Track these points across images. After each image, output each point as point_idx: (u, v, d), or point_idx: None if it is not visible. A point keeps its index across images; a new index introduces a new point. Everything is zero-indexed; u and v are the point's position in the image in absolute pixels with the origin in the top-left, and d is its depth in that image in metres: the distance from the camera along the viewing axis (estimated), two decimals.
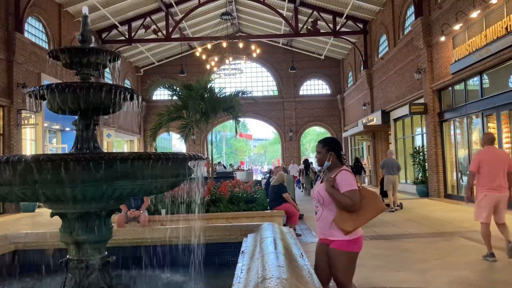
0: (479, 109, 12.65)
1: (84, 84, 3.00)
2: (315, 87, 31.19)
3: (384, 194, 12.20)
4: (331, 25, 21.85)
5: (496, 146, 7.78)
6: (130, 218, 7.20)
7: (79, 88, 2.95)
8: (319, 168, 3.53)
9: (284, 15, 22.30)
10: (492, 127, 12.31)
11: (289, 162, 27.37)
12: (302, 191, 20.86)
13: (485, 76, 12.69)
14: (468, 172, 6.04)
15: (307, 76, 30.60)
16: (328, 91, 30.68)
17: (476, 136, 13.38)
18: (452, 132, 14.96)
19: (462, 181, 14.20)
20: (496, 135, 11.99)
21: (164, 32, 21.52)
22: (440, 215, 10.50)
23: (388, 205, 11.74)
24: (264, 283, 1.95)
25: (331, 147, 3.38)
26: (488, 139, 6.09)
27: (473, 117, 13.42)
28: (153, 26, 21.31)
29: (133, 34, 21.78)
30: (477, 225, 8.63)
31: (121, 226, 6.95)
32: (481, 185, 5.85)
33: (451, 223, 9.15)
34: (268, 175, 17.11)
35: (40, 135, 16.48)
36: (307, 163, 20.30)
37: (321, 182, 3.40)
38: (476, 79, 13.08)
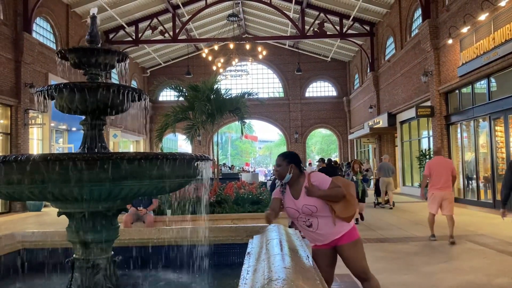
0: (487, 112, 12.57)
1: (92, 84, 3.01)
2: (321, 89, 31.14)
3: (378, 193, 14.08)
4: (337, 27, 21.83)
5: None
6: (136, 218, 7.22)
7: (87, 88, 2.96)
8: (278, 181, 3.55)
9: (291, 17, 22.29)
10: (499, 131, 12.23)
11: None
12: None
13: (492, 79, 12.61)
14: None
15: (313, 78, 30.57)
16: (334, 93, 30.63)
17: (483, 139, 13.29)
18: (459, 135, 14.88)
19: (470, 185, 14.12)
20: (503, 139, 11.96)
21: (171, 33, 21.59)
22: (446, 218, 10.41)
23: (380, 203, 13.94)
24: (270, 284, 1.95)
25: (291, 160, 3.44)
26: (435, 151, 7.99)
27: (480, 120, 13.33)
28: (160, 27, 21.38)
29: (140, 35, 21.88)
30: (484, 228, 8.71)
31: (127, 226, 6.97)
32: (430, 186, 7.60)
33: (457, 227, 9.00)
34: (272, 176, 17.11)
35: (47, 135, 16.59)
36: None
37: (296, 198, 3.36)
38: (483, 82, 13.00)
